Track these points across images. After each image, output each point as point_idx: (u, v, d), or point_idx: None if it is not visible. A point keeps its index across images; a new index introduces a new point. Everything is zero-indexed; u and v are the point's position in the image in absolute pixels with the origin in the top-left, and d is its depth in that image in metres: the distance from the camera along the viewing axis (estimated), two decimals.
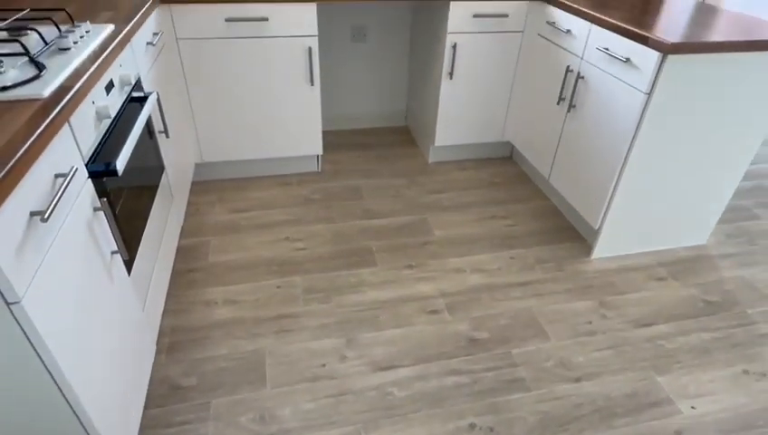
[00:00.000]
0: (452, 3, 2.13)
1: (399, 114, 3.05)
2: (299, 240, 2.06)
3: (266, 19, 2.00)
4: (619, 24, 1.70)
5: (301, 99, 2.24)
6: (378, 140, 2.92)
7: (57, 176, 0.91)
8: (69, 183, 0.89)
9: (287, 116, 2.28)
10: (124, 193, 1.30)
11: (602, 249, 2.00)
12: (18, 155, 0.76)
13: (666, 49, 1.50)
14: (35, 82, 0.99)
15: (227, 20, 1.97)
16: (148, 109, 1.40)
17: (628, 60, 1.67)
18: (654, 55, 1.56)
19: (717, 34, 1.59)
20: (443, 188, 2.46)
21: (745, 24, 1.72)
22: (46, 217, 0.80)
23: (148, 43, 1.66)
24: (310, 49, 2.10)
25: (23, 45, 1.07)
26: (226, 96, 2.16)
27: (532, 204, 2.36)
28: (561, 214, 2.29)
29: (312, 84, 2.21)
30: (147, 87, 1.60)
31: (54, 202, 0.83)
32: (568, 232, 2.17)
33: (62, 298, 0.89)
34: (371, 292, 1.82)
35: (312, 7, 2.03)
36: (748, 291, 1.89)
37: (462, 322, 1.71)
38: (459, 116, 2.48)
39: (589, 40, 1.88)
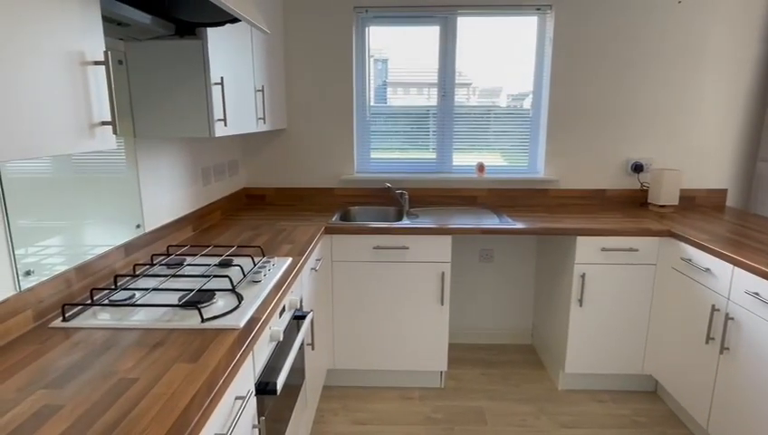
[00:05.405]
0: (579, 238, 2.27)
1: (525, 332, 3.02)
2: None
3: (407, 248, 2.31)
4: (766, 270, 1.64)
5: (430, 317, 2.39)
6: (502, 357, 2.87)
7: (236, 398, 1.07)
8: (246, 405, 1.05)
9: (416, 331, 2.42)
10: (271, 404, 1.43)
11: None
12: (219, 383, 0.94)
13: None
14: (235, 313, 1.25)
15: (375, 248, 2.32)
16: (305, 328, 1.62)
17: None
18: None
19: None
20: (577, 423, 2.24)
21: None
22: None
23: (311, 269, 2.00)
24: (443, 274, 2.32)
25: (230, 280, 1.39)
26: (364, 310, 2.40)
27: None
28: None
29: (442, 304, 2.37)
30: (305, 305, 1.88)
31: (233, 425, 0.97)
32: None
33: None
34: None
35: (448, 239, 2.31)
36: None
37: None
38: (591, 344, 2.39)
39: (733, 281, 1.82)
